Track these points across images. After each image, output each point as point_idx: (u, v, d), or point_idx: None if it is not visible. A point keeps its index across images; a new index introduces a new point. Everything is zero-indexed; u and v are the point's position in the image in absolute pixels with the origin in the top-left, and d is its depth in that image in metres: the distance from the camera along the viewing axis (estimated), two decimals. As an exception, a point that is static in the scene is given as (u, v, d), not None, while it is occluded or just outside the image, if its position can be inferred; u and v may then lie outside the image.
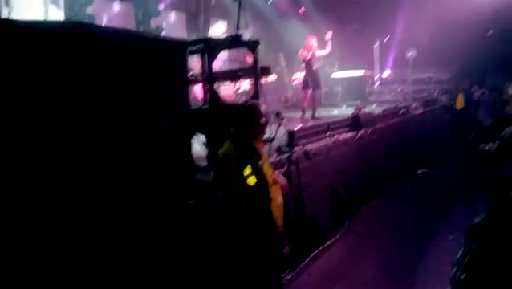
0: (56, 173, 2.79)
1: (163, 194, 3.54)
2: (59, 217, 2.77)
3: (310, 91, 8.81)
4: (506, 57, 12.75)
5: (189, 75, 4.17)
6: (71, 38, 2.88)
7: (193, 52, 4.49)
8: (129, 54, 3.28)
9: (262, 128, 3.59)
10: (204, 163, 4.55)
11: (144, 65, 3.40)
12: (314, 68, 8.78)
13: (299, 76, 11.75)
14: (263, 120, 3.53)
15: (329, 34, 8.60)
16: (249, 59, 9.50)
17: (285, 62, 12.55)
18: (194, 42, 4.26)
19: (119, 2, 10.76)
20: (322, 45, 8.72)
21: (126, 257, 3.11)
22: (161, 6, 11.77)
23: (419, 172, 9.30)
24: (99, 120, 3.02)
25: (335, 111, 10.96)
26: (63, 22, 3.04)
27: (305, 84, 8.83)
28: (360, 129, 7.15)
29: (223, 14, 13.54)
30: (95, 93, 2.99)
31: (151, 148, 3.45)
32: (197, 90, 5.58)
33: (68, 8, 9.14)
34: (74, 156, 2.86)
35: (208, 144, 4.45)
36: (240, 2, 3.88)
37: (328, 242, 5.77)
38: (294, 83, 12.14)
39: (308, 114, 8.76)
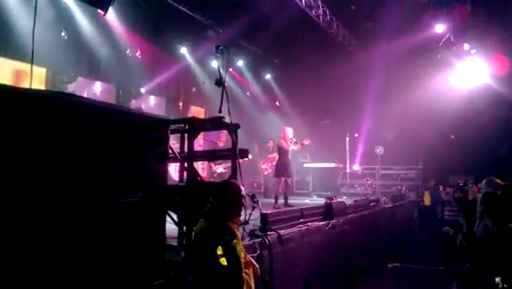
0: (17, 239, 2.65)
1: (130, 271, 3.38)
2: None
3: (283, 178, 8.99)
4: (467, 160, 13.49)
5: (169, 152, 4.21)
6: (52, 105, 2.92)
7: (173, 131, 4.59)
8: (111, 127, 3.32)
9: (239, 208, 3.60)
10: (174, 242, 4.42)
11: (125, 138, 3.44)
12: (288, 157, 9.07)
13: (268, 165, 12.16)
14: (243, 199, 3.56)
15: (306, 142, 9.23)
16: (221, 141, 10.00)
17: (258, 149, 12.88)
18: (177, 121, 4.36)
19: (100, 82, 11.07)
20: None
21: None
22: (142, 90, 12.19)
23: (389, 265, 9.25)
24: (67, 187, 2.96)
25: (307, 200, 11.08)
26: (46, 90, 3.09)
27: (280, 172, 9.02)
28: (333, 218, 7.17)
29: (202, 101, 14.09)
30: (67, 161, 2.95)
31: (121, 221, 3.35)
32: (171, 169, 5.58)
33: (50, 85, 9.36)
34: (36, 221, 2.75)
35: (180, 223, 4.35)
36: (224, 86, 4.07)
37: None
38: (263, 167, 12.45)
39: (280, 201, 8.85)
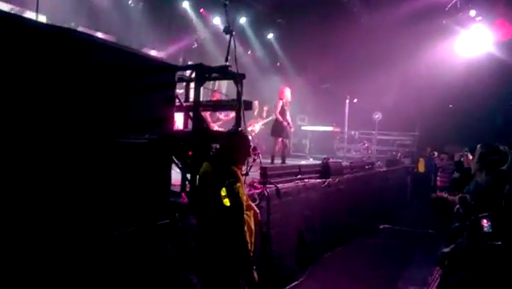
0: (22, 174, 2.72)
1: (136, 210, 3.49)
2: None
3: (280, 139, 9.04)
4: (463, 130, 13.62)
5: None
6: (66, 40, 2.93)
7: (178, 80, 4.61)
8: (121, 67, 3.34)
9: (245, 155, 3.69)
10: (177, 188, 4.54)
11: (134, 79, 3.48)
12: (286, 117, 9.06)
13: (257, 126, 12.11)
14: (248, 148, 3.65)
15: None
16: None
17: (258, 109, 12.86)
18: (185, 68, 4.38)
19: (101, 33, 10.91)
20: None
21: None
22: (143, 44, 12.03)
23: (381, 227, 9.52)
24: (75, 123, 3.01)
25: (303, 162, 11.20)
26: (59, 26, 3.07)
27: (276, 132, 9.05)
28: (329, 177, 7.33)
29: (202, 58, 13.94)
30: (74, 97, 2.99)
31: (127, 161, 3.43)
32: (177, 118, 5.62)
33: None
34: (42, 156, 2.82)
35: (183, 170, 4.45)
36: (232, 34, 4.06)
37: (290, 286, 5.74)
38: (249, 129, 12.38)
39: (277, 162, 8.93)
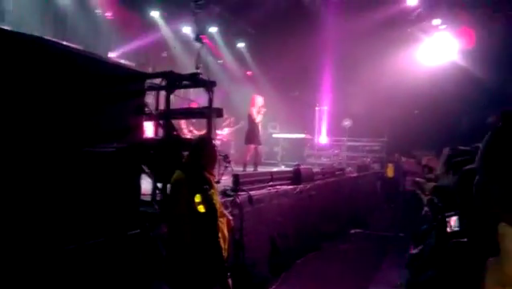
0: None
1: (105, 220, 3.42)
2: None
3: (253, 146, 9.10)
4: (429, 135, 14.01)
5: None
6: (31, 48, 2.86)
7: (148, 88, 4.57)
8: (88, 75, 3.28)
9: (213, 161, 3.70)
10: (148, 198, 4.47)
11: (102, 87, 3.42)
12: (257, 125, 9.14)
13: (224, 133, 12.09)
14: (217, 152, 3.66)
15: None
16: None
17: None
18: (154, 75, 4.35)
19: (67, 43, 10.70)
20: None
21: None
22: (112, 53, 11.86)
23: (352, 231, 9.64)
24: (42, 132, 2.94)
25: (275, 170, 11.25)
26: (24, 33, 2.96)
27: (249, 139, 9.10)
28: (300, 183, 7.39)
29: (172, 67, 13.76)
30: (42, 105, 2.92)
31: (96, 170, 3.36)
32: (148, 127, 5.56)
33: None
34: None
35: (154, 178, 4.40)
36: (202, 42, 4.07)
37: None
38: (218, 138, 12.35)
39: (249, 169, 8.96)
